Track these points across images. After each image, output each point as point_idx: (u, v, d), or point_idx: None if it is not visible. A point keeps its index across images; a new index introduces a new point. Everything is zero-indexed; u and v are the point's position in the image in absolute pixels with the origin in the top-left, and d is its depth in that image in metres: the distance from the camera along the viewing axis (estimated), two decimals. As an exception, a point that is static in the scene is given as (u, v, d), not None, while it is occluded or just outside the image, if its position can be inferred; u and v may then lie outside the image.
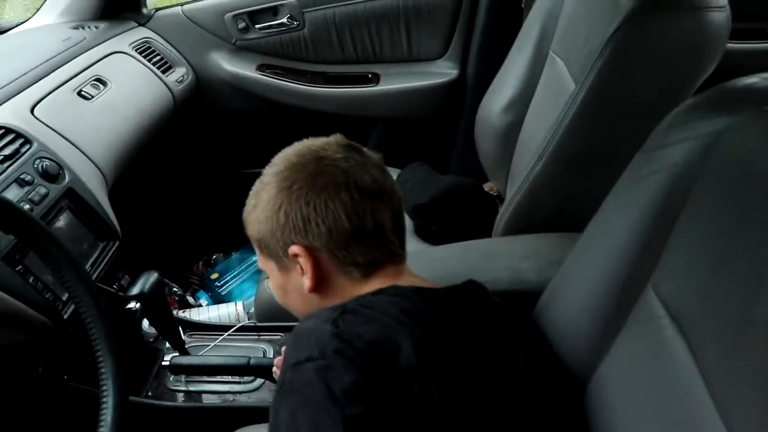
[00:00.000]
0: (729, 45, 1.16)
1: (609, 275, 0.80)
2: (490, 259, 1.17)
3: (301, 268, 0.84)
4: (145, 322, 1.35)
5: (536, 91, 1.60)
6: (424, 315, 0.74)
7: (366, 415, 0.64)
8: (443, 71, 2.07)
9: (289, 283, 0.87)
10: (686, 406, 0.63)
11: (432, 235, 1.60)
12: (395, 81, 2.08)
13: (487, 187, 1.78)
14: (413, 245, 1.55)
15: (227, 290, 2.00)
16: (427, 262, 1.16)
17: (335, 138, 0.88)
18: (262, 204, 0.86)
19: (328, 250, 0.83)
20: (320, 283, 0.84)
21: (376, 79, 2.09)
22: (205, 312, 1.81)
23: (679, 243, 0.72)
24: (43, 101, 1.44)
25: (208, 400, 1.26)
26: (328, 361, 0.66)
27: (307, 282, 0.84)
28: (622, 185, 0.83)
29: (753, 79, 0.72)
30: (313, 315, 0.74)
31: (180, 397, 1.27)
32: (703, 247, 0.69)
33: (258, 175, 2.31)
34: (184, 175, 2.24)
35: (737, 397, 0.58)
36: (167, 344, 1.32)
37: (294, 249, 0.83)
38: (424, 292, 0.79)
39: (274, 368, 1.01)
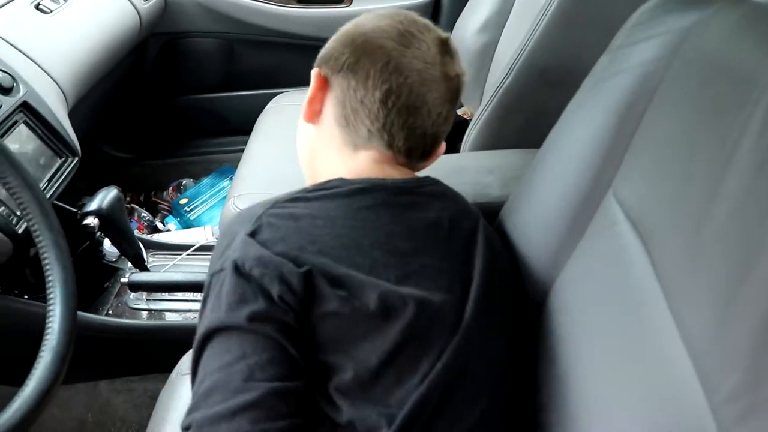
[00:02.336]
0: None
1: (570, 183, 0.78)
2: (456, 173, 1.14)
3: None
4: (107, 242, 1.32)
5: (512, 10, 1.56)
6: (361, 216, 0.74)
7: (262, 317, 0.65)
8: (419, -9, 2.01)
9: (301, 110, 0.86)
10: (641, 309, 0.62)
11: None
12: (368, 2, 2.04)
13: (461, 111, 1.74)
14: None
15: (196, 216, 1.98)
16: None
17: (440, 32, 0.84)
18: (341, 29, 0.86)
19: (334, 95, 0.81)
20: (313, 118, 0.84)
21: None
22: (173, 236, 1.80)
23: (642, 145, 0.70)
24: (-4, 12, 1.38)
25: (169, 318, 1.25)
26: (224, 275, 0.68)
27: (304, 106, 0.83)
28: (584, 89, 0.81)
29: None
30: (247, 210, 0.74)
31: (142, 315, 1.25)
32: (665, 147, 0.67)
33: (227, 99, 2.26)
34: (153, 99, 2.18)
35: (690, 298, 0.56)
36: (129, 264, 1.29)
37: (315, 70, 0.83)
38: (373, 183, 0.77)
39: None
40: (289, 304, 0.66)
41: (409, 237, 0.75)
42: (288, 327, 0.67)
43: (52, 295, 0.80)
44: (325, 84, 0.82)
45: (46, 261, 0.82)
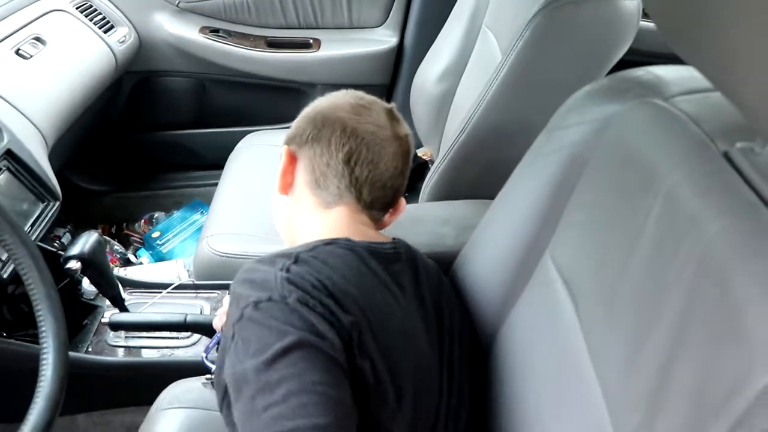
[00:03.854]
0: (644, 23, 1.25)
1: (513, 241, 0.89)
2: (413, 223, 1.24)
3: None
4: (86, 281, 1.38)
5: (469, 61, 1.67)
6: (369, 271, 0.83)
7: (325, 349, 0.71)
8: (383, 39, 2.12)
9: (276, 184, 0.97)
10: (570, 357, 0.73)
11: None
12: (336, 47, 2.12)
13: (421, 152, 1.85)
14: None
15: (168, 249, 2.04)
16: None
17: (383, 103, 0.98)
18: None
19: (303, 165, 0.94)
20: (287, 190, 0.95)
21: (317, 44, 2.12)
22: (146, 270, 1.86)
23: (572, 215, 0.81)
24: (-21, 60, 1.44)
25: (147, 354, 1.31)
26: (292, 306, 0.72)
27: (278, 180, 0.95)
28: (526, 160, 0.92)
29: (640, 72, 0.80)
30: (266, 261, 0.79)
31: (120, 352, 1.32)
32: (590, 220, 0.78)
33: (198, 135, 2.32)
34: (126, 135, 2.24)
35: (606, 349, 0.68)
36: (107, 302, 1.36)
37: (283, 148, 0.95)
38: (373, 248, 0.86)
39: (216, 320, 1.06)
40: None
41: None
42: None
43: (45, 344, 0.88)
44: (293, 158, 0.95)
45: (39, 312, 0.89)
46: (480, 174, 1.35)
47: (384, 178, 0.93)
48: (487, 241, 0.98)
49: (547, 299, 0.82)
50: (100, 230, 2.17)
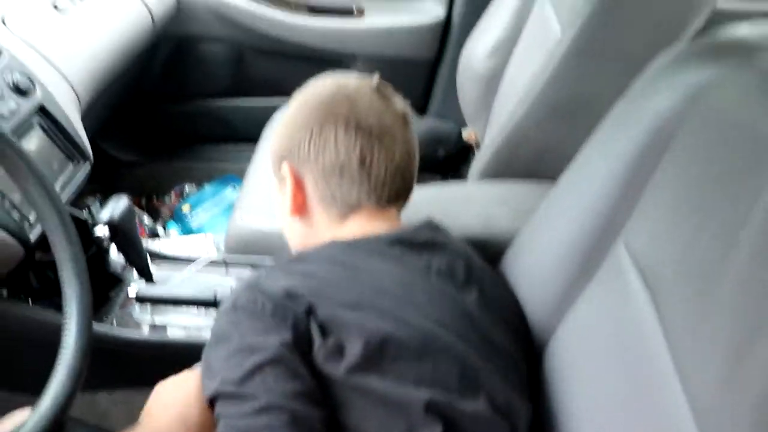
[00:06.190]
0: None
1: (580, 227, 0.80)
2: (464, 203, 1.17)
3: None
4: (113, 252, 1.33)
5: (522, 36, 1.58)
6: (356, 263, 0.77)
7: (279, 352, 0.67)
8: (430, 9, 2.04)
9: (282, 204, 0.89)
10: (645, 361, 0.63)
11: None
12: (380, 17, 2.05)
13: (465, 133, 1.77)
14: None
15: (198, 223, 1.99)
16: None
17: (371, 79, 0.89)
18: (278, 122, 0.90)
19: (312, 178, 0.84)
20: (301, 210, 0.86)
21: (360, 13, 2.05)
22: (174, 243, 1.81)
23: (654, 196, 0.72)
24: (14, 11, 1.39)
25: (173, 333, 1.26)
26: (238, 313, 0.71)
27: (289, 203, 0.86)
28: (600, 134, 0.82)
29: (740, 30, 0.71)
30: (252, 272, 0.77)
31: (145, 328, 1.26)
32: (677, 200, 0.68)
33: (234, 106, 2.28)
34: (160, 102, 2.20)
35: (696, 356, 0.57)
36: (134, 276, 1.30)
37: (284, 167, 0.86)
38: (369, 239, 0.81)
39: None
40: None
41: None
42: None
43: (68, 310, 0.82)
44: (298, 175, 0.85)
45: (64, 274, 0.83)
46: (538, 154, 1.26)
47: (402, 167, 0.86)
48: (549, 226, 0.88)
49: (619, 294, 0.71)
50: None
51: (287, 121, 0.88)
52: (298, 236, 0.88)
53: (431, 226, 0.87)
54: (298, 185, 0.85)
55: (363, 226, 0.84)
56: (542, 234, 0.89)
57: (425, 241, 0.84)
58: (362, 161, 0.82)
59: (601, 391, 0.70)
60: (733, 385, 0.52)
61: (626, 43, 1.14)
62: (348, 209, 0.84)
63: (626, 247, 0.73)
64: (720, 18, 1.14)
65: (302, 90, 0.90)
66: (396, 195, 0.86)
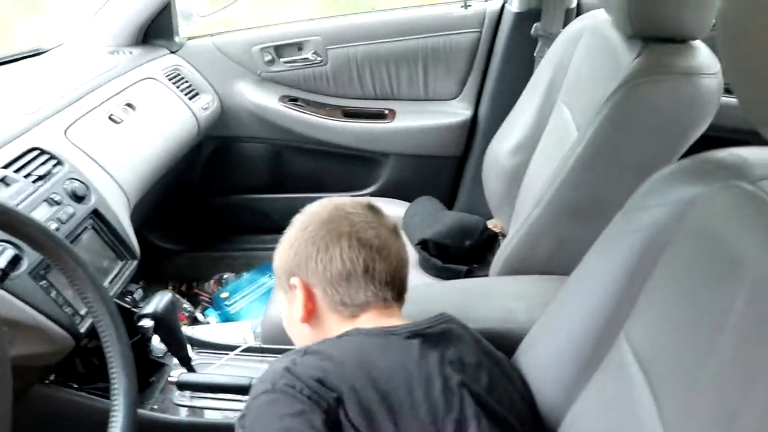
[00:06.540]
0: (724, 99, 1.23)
1: (586, 322, 0.86)
2: (485, 297, 1.23)
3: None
4: (155, 338, 1.41)
5: (543, 136, 1.67)
6: (379, 354, 0.83)
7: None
8: (457, 111, 2.15)
9: (291, 313, 0.98)
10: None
11: (435, 269, 1.67)
12: (410, 118, 2.16)
13: (491, 224, 1.84)
14: (416, 278, 1.62)
15: (236, 309, 2.06)
16: (426, 298, 1.22)
17: (362, 200, 1.02)
18: (283, 241, 1.00)
19: (321, 287, 0.94)
20: (312, 317, 0.95)
21: (392, 115, 2.17)
22: (213, 329, 1.88)
23: (651, 297, 0.78)
24: (75, 124, 1.52)
25: (210, 415, 1.32)
26: (277, 394, 0.76)
27: (300, 312, 0.94)
28: (602, 240, 0.89)
29: (724, 154, 0.78)
30: (282, 357, 0.83)
31: (184, 411, 1.32)
32: (669, 303, 0.75)
33: (272, 200, 2.38)
34: (203, 197, 2.32)
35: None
36: (174, 360, 1.37)
37: (293, 281, 0.95)
38: (386, 330, 0.87)
39: None
40: None
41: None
42: None
43: (116, 402, 0.89)
44: (308, 286, 0.95)
45: (113, 370, 0.91)
46: (554, 250, 1.33)
47: (399, 270, 0.96)
48: (557, 322, 0.95)
49: (620, 386, 0.78)
50: (170, 287, 2.21)
51: (291, 241, 0.98)
52: (309, 340, 0.95)
53: (445, 318, 0.94)
54: (309, 295, 0.95)
55: (374, 320, 0.92)
56: (554, 327, 0.95)
57: (441, 332, 0.91)
58: (366, 269, 0.93)
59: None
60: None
61: (633, 150, 1.22)
62: (358, 309, 0.93)
63: (627, 340, 0.80)
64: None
65: (301, 213, 1.01)
66: (397, 294, 0.96)
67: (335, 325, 0.94)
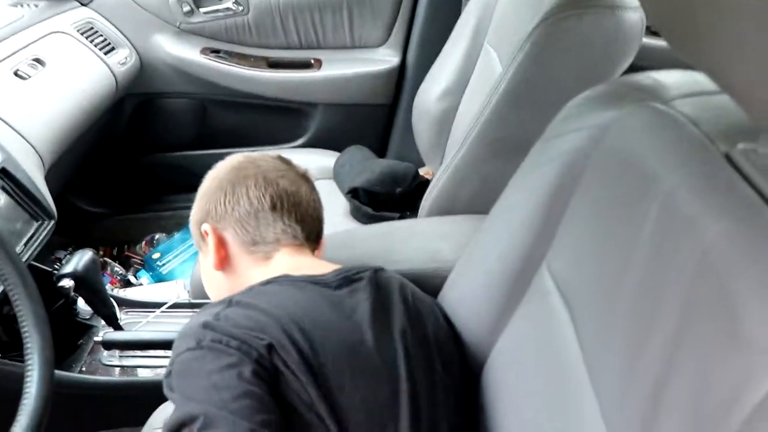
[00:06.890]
0: (647, 41, 1.23)
1: (508, 255, 0.86)
2: (410, 239, 1.23)
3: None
4: (81, 301, 1.37)
5: (471, 79, 1.66)
6: (310, 304, 0.81)
7: (245, 392, 0.70)
8: (384, 58, 2.12)
9: (206, 265, 0.97)
10: (566, 374, 0.70)
11: (366, 217, 1.66)
12: (337, 67, 2.12)
13: (423, 171, 1.83)
14: (347, 226, 1.61)
15: (168, 270, 2.03)
16: (350, 241, 1.22)
17: (272, 152, 1.03)
18: (197, 195, 1.00)
19: (231, 229, 0.93)
20: (226, 263, 0.94)
21: (318, 64, 2.12)
22: (146, 290, 1.84)
23: (570, 225, 0.78)
24: (-25, 80, 1.44)
25: (141, 374, 1.29)
26: (204, 351, 0.74)
27: (212, 259, 0.93)
28: (521, 172, 0.89)
29: (638, 77, 0.78)
30: (203, 309, 0.80)
31: (115, 371, 1.30)
32: (587, 229, 0.75)
33: (200, 156, 2.34)
34: (128, 158, 2.25)
35: (603, 365, 0.64)
36: (102, 322, 1.34)
37: (204, 227, 0.95)
38: (315, 280, 0.86)
39: None
40: None
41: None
42: None
43: (30, 361, 0.86)
44: (218, 231, 0.94)
45: (25, 329, 0.87)
46: (479, 189, 1.32)
47: (309, 211, 0.97)
48: (479, 257, 0.95)
49: (543, 314, 0.78)
50: (101, 252, 2.15)
51: (202, 192, 0.99)
52: (225, 290, 0.93)
53: (373, 266, 0.93)
54: (220, 241, 0.94)
55: (287, 261, 0.91)
56: (475, 263, 0.95)
57: (368, 279, 0.89)
58: (273, 206, 0.93)
59: (528, 406, 0.76)
60: (630, 381, 0.59)
61: (556, 86, 1.21)
62: (270, 248, 0.92)
63: (549, 270, 0.80)
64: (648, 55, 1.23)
65: (214, 168, 1.01)
66: (308, 235, 0.96)
67: (250, 270, 0.92)
